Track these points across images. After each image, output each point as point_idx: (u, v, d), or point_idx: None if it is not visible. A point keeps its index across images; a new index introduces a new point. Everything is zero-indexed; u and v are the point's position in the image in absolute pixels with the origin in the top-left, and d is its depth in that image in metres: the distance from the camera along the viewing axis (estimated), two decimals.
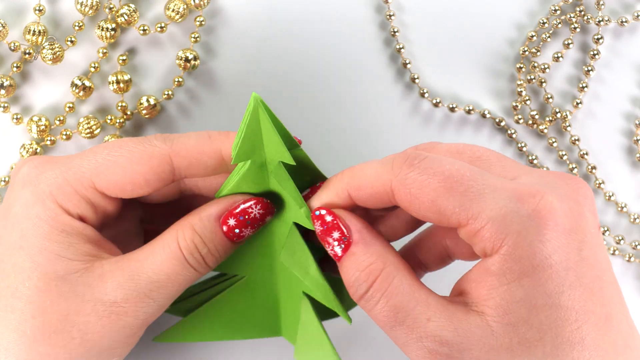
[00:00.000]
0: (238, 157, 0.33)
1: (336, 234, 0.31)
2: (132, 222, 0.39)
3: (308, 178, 0.35)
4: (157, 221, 0.40)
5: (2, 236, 0.33)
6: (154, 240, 0.34)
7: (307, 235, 0.34)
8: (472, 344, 0.29)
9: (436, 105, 0.45)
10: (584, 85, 0.45)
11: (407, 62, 0.45)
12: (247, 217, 0.33)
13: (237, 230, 0.33)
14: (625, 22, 0.45)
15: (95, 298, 0.32)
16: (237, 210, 0.34)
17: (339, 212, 0.32)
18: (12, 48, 0.43)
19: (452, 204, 0.29)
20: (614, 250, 0.45)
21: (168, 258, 0.33)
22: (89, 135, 0.43)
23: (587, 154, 0.45)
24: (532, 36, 0.45)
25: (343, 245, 0.31)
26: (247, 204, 0.34)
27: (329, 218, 0.32)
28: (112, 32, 0.43)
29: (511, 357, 0.29)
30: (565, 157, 0.45)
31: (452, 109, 0.45)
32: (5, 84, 0.43)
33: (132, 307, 0.33)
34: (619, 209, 0.45)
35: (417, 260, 0.37)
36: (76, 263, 0.32)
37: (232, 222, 0.33)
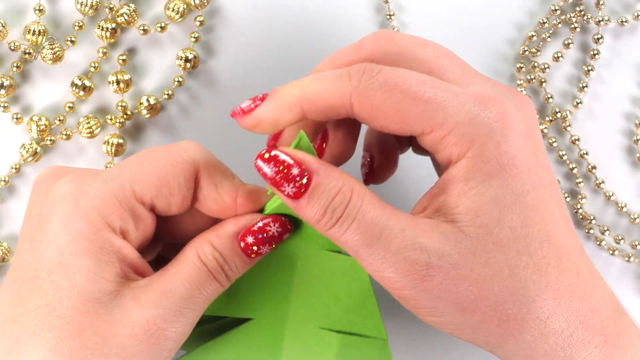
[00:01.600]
0: None
1: (295, 170, 0.30)
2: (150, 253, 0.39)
3: None
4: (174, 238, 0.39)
5: (37, 251, 0.32)
6: (175, 259, 0.34)
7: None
8: (449, 249, 0.29)
9: None
10: (584, 85, 0.45)
11: None
12: (265, 235, 0.33)
13: (255, 248, 0.33)
14: (625, 22, 0.45)
15: (133, 320, 0.32)
16: (255, 228, 0.33)
17: (289, 150, 0.31)
18: (12, 48, 0.43)
19: (416, 113, 0.29)
20: (614, 250, 0.45)
21: (195, 271, 0.33)
22: (89, 135, 0.43)
23: (587, 153, 0.45)
24: (532, 36, 0.45)
25: (305, 180, 0.30)
26: (265, 221, 0.34)
27: (283, 156, 0.31)
28: (112, 32, 0.43)
29: (487, 259, 0.29)
30: (565, 157, 0.45)
31: None
32: (5, 84, 0.43)
33: (170, 326, 0.32)
34: (619, 209, 0.45)
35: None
36: (111, 284, 0.32)
37: (250, 239, 0.33)
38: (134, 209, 0.33)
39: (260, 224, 0.34)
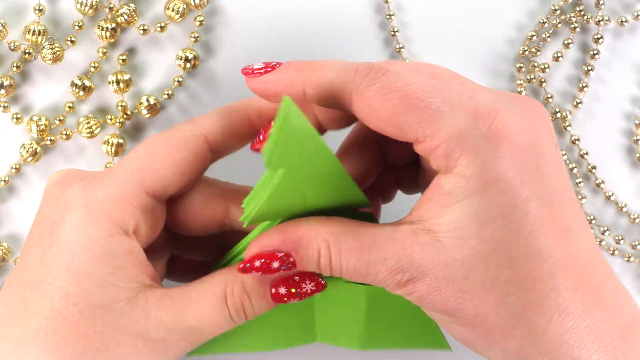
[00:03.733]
0: (273, 164, 0.30)
1: (276, 264, 0.32)
2: (162, 256, 0.39)
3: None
4: (187, 251, 0.39)
5: (46, 256, 0.32)
6: (201, 284, 0.34)
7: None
8: (428, 263, 0.29)
9: None
10: (584, 85, 0.45)
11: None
12: (298, 290, 0.34)
13: (284, 299, 0.34)
14: (625, 22, 0.45)
15: (137, 333, 0.32)
16: (291, 281, 0.34)
17: (256, 247, 0.32)
18: (12, 48, 0.43)
19: (411, 121, 0.29)
20: (614, 250, 0.45)
21: (213, 309, 0.33)
22: (89, 135, 0.43)
23: (587, 154, 0.45)
24: (532, 36, 0.45)
25: (290, 263, 0.32)
26: (302, 277, 0.34)
27: (257, 263, 0.32)
28: (112, 32, 0.43)
29: (466, 271, 0.29)
30: (565, 157, 0.45)
31: None
32: (5, 84, 0.43)
33: (171, 347, 0.33)
34: (619, 209, 0.45)
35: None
36: (122, 291, 0.32)
37: (282, 290, 0.33)
38: (145, 205, 0.34)
39: (297, 278, 0.34)
